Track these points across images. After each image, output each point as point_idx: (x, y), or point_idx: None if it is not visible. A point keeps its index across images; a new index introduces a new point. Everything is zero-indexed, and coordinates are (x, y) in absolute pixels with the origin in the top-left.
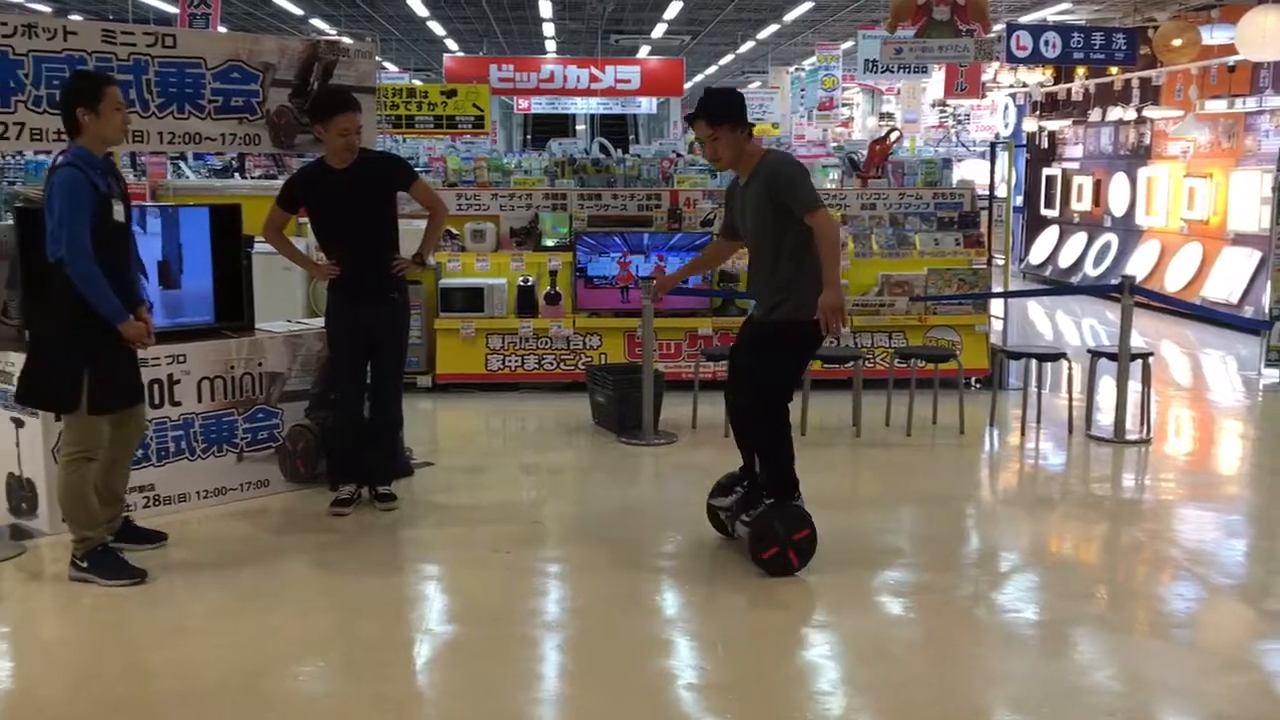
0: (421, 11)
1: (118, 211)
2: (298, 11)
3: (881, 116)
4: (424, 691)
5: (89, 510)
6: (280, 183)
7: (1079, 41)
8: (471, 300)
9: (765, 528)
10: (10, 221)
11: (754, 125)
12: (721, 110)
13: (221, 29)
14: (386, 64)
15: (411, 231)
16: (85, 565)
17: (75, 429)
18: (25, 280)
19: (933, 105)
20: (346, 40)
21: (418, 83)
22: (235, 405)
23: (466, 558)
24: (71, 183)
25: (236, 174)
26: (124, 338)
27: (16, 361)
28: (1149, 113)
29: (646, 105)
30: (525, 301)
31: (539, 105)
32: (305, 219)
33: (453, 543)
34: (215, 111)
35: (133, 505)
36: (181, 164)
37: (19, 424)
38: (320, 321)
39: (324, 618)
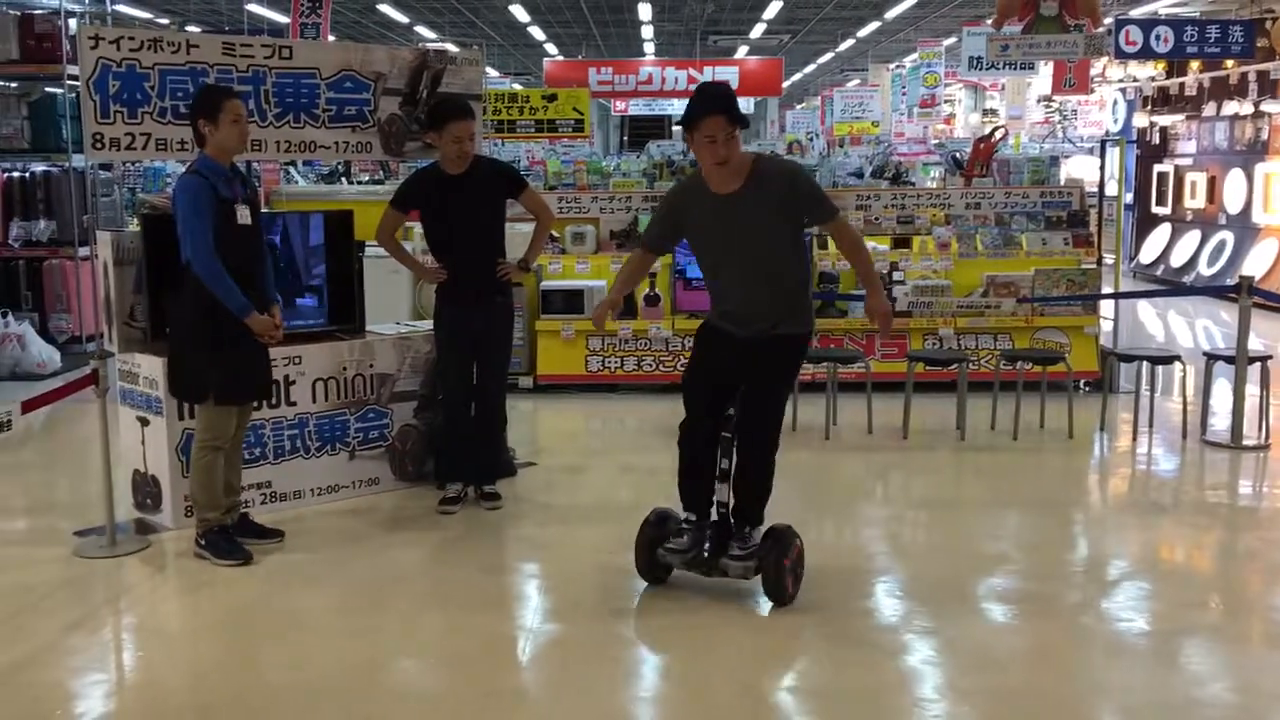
0: (523, 17)
1: (242, 215)
2: (403, 19)
3: (985, 113)
4: (529, 689)
5: (212, 494)
6: (386, 188)
7: (1193, 35)
8: (572, 302)
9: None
10: (137, 228)
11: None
12: (738, 108)
13: (330, 38)
14: (488, 69)
15: (514, 235)
16: (203, 544)
17: (204, 419)
18: (166, 282)
19: (1038, 101)
20: (454, 48)
21: (518, 87)
22: (347, 405)
23: (569, 557)
24: (193, 189)
25: (344, 179)
26: (252, 332)
27: (143, 363)
28: (1266, 106)
29: (743, 105)
30: (625, 303)
31: (636, 107)
32: (413, 223)
33: (555, 542)
34: (329, 120)
35: (251, 502)
36: (292, 169)
37: (144, 423)
38: (428, 324)
39: (432, 614)
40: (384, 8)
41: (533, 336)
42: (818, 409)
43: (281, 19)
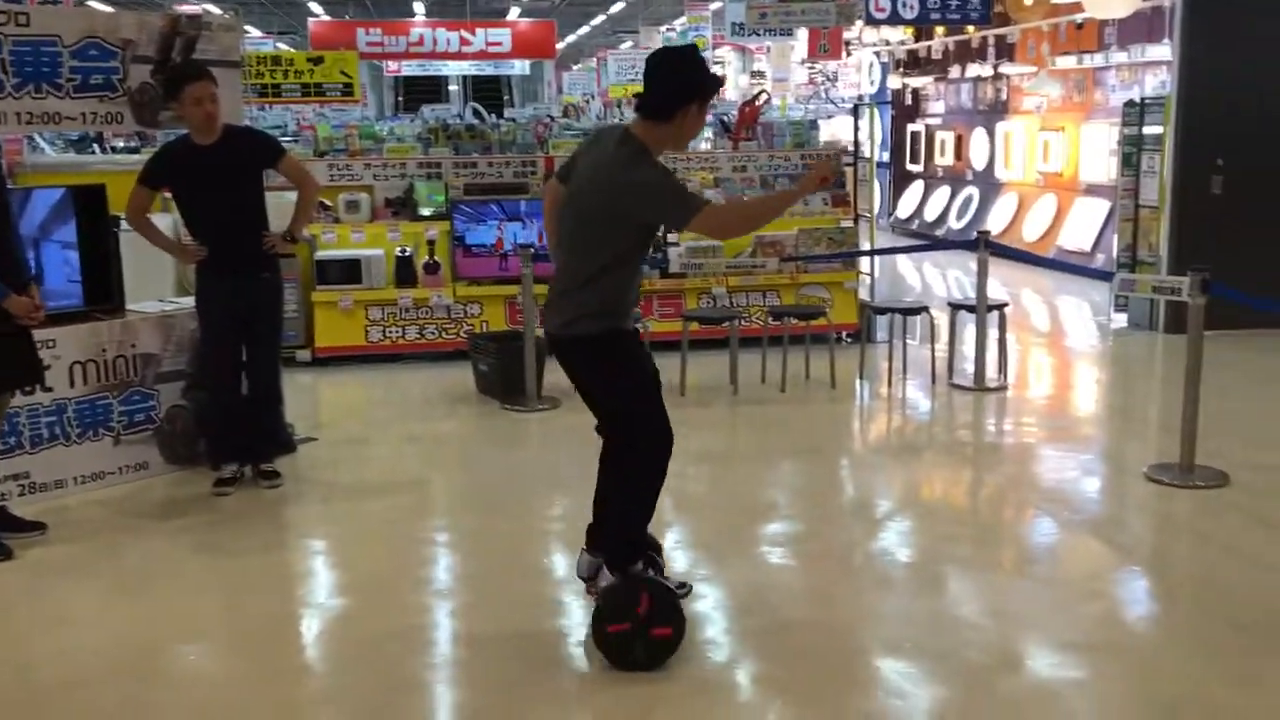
0: None
1: None
2: None
3: (753, 75)
4: (317, 663)
5: None
6: (141, 157)
7: (936, 2)
8: (349, 272)
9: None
10: None
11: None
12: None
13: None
14: (249, 28)
15: (283, 204)
16: None
17: None
18: None
19: (801, 64)
20: (210, 9)
21: (284, 47)
22: (110, 388)
23: (354, 530)
24: None
25: (95, 146)
26: (10, 315)
27: None
28: (1004, 69)
29: (519, 67)
30: (404, 272)
31: (409, 69)
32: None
33: (340, 517)
34: (74, 90)
35: (7, 494)
36: (38, 138)
37: None
38: (193, 300)
39: (212, 597)
40: None
41: (309, 308)
42: None
43: None
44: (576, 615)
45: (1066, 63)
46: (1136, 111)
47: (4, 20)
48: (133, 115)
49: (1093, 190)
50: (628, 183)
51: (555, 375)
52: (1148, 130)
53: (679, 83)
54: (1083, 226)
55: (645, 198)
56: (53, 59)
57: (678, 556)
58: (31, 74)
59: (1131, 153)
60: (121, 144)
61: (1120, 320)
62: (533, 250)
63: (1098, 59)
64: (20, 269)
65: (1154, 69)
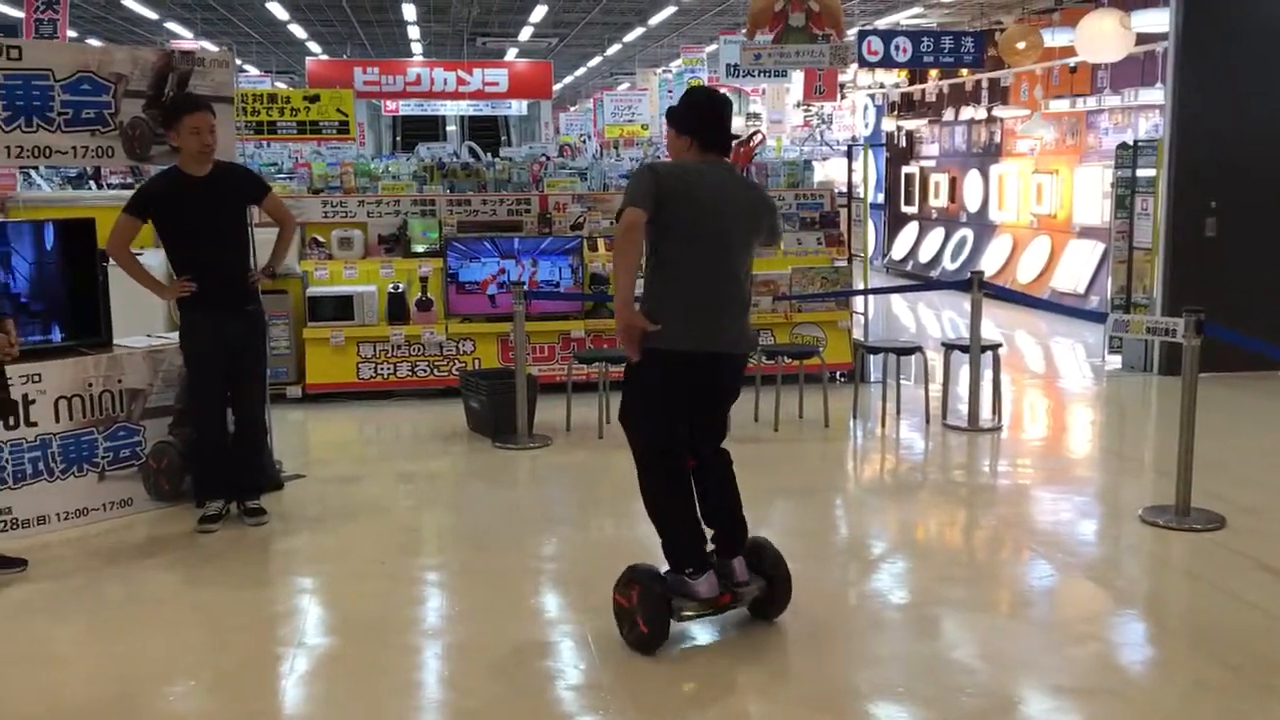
0: (281, 14)
1: None
2: (152, 15)
3: (749, 117)
4: (301, 705)
5: None
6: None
7: (929, 45)
8: (341, 308)
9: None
10: None
11: (714, 139)
12: (671, 110)
13: (71, 34)
14: (247, 67)
15: (265, 241)
16: None
17: None
18: None
19: (796, 106)
20: (206, 45)
21: (281, 85)
22: (95, 424)
23: (342, 569)
24: None
25: (92, 183)
26: None
27: None
28: (998, 112)
29: (517, 107)
30: (396, 308)
31: (407, 108)
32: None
33: (327, 554)
34: (65, 124)
35: None
36: (33, 174)
37: None
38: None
39: (194, 635)
40: (130, 3)
41: (300, 344)
42: (591, 408)
43: (15, 13)
44: (566, 656)
45: (1060, 106)
46: (1130, 154)
47: None
48: (124, 149)
49: (1086, 232)
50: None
51: (547, 413)
52: (1141, 173)
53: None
54: (1076, 268)
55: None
56: (44, 93)
57: None
58: (23, 108)
59: (1125, 195)
60: (118, 181)
61: (1114, 361)
62: (525, 288)
63: (1091, 102)
64: None
65: (1147, 112)
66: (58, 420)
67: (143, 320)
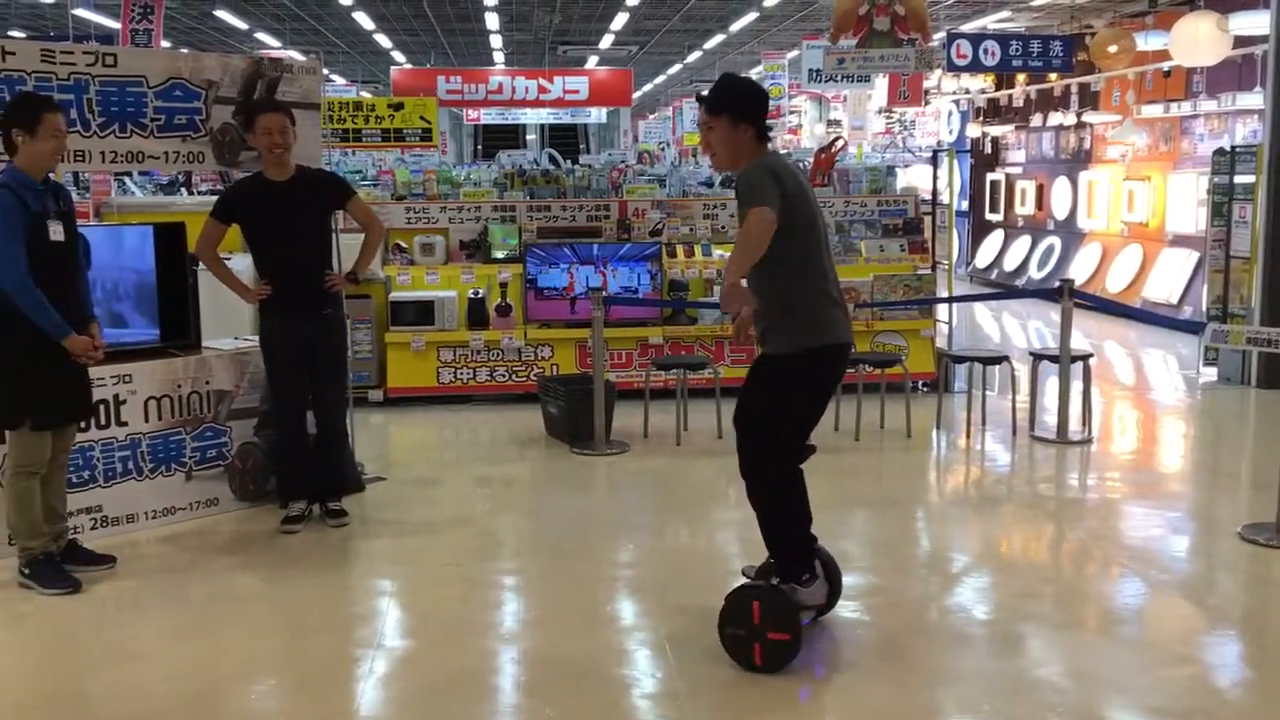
0: (368, 24)
1: (55, 231)
2: (242, 25)
3: (829, 124)
4: (379, 707)
5: (32, 522)
6: None
7: (1017, 49)
8: (422, 313)
9: (741, 604)
10: None
11: (768, 128)
12: (721, 97)
13: (165, 43)
14: (334, 77)
15: (353, 245)
16: (28, 573)
17: (16, 445)
18: None
19: (879, 112)
20: (294, 54)
21: (366, 95)
22: (183, 424)
23: (420, 572)
24: (1, 204)
25: (183, 189)
26: (70, 353)
27: None
28: (1088, 118)
29: (596, 115)
30: (476, 314)
31: (488, 116)
32: None
33: (406, 557)
34: (158, 130)
35: (79, 527)
36: (127, 180)
37: None
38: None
39: (275, 636)
40: (222, 13)
41: (382, 349)
42: (668, 415)
43: (113, 24)
44: (642, 664)
45: (1153, 111)
46: (1227, 160)
47: (92, 61)
48: (214, 155)
49: (1179, 240)
50: None
51: (624, 420)
52: (1239, 179)
53: None
54: (1169, 277)
55: None
56: (138, 99)
57: None
58: (117, 114)
59: (1222, 202)
60: (207, 187)
61: (1210, 374)
62: (603, 294)
63: (1185, 107)
64: (83, 308)
65: (1244, 117)
66: (147, 420)
67: (231, 323)
